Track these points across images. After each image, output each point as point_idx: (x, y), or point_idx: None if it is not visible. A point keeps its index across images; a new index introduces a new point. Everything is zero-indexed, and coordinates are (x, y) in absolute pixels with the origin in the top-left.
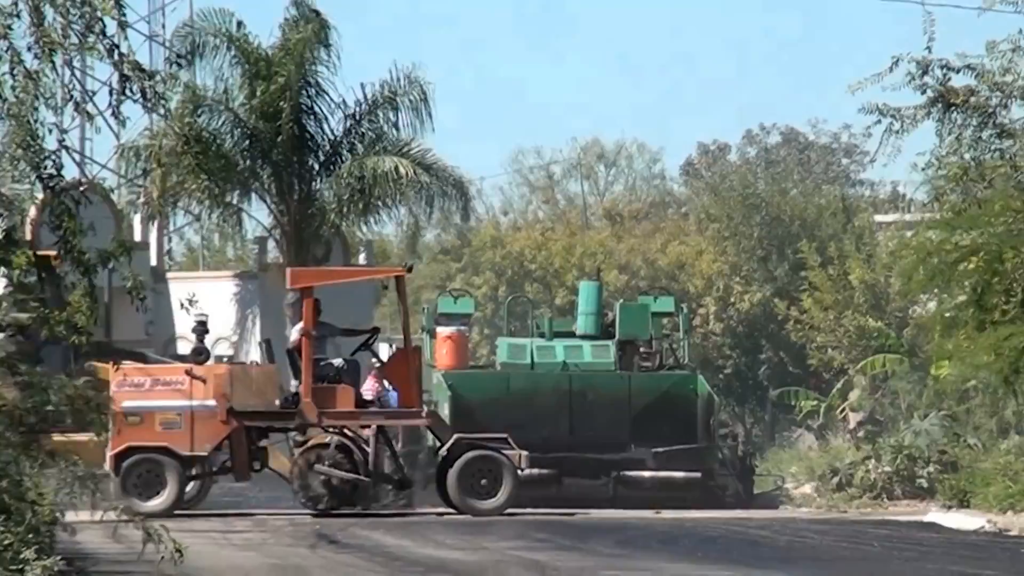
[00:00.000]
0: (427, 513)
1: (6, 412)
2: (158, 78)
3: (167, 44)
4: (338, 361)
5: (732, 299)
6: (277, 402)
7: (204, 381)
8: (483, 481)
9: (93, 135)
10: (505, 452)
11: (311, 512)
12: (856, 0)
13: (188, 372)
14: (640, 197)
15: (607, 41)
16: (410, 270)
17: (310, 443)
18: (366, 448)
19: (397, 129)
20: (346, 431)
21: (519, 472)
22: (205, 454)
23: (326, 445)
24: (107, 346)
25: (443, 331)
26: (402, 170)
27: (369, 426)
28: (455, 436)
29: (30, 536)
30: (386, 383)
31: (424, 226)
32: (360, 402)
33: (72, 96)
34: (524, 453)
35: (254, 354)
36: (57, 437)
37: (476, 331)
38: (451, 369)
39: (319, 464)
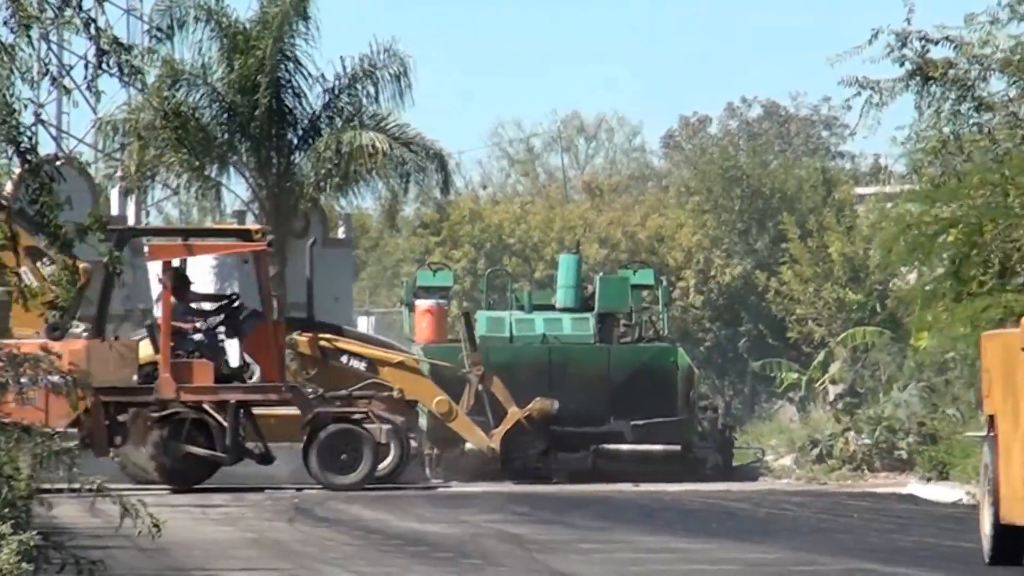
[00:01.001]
0: (406, 487)
1: None
2: (136, 52)
3: (145, 18)
4: (198, 336)
5: (712, 272)
6: (135, 377)
7: (59, 356)
8: (343, 455)
9: (70, 109)
10: (367, 426)
11: (172, 489)
12: None
13: (43, 348)
14: (620, 170)
15: (589, 14)
16: (270, 244)
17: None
18: (224, 423)
19: (377, 103)
20: (206, 406)
21: (379, 446)
22: (60, 429)
23: (182, 420)
24: (308, 320)
25: (422, 304)
26: (378, 145)
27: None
28: (316, 410)
29: (6, 511)
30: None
31: (403, 200)
32: (220, 376)
33: (49, 70)
34: (387, 427)
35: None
36: (258, 411)
37: (455, 304)
38: (430, 342)
39: (174, 440)
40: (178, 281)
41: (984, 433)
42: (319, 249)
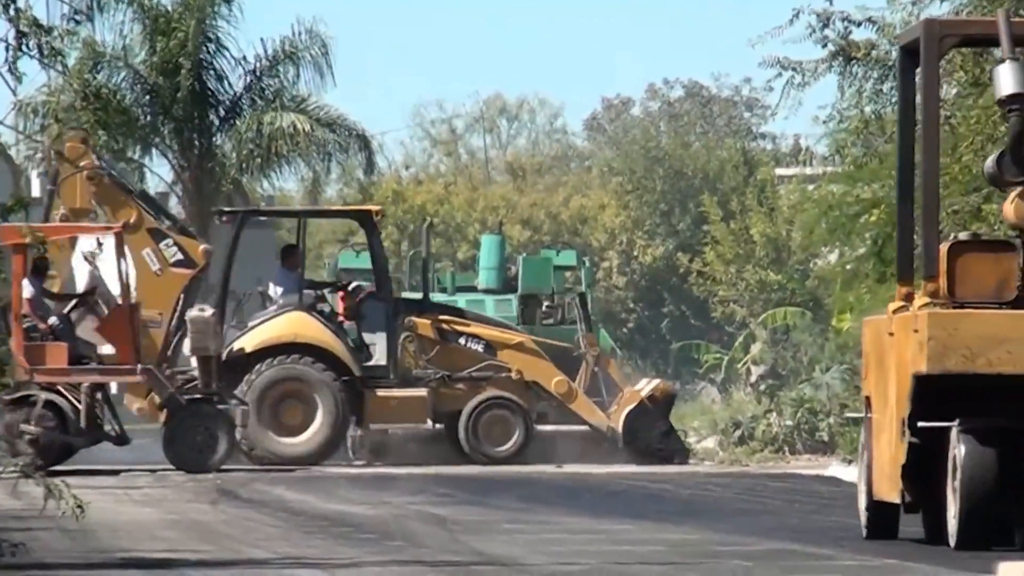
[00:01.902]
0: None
1: None
2: (56, 34)
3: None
4: (53, 319)
5: (635, 253)
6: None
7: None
8: (198, 438)
9: None
10: (220, 408)
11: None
12: None
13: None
14: (542, 151)
15: None
16: (125, 227)
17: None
18: (79, 405)
19: (298, 84)
20: (59, 388)
21: (237, 428)
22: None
23: (33, 403)
24: (425, 301)
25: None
26: (299, 126)
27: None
28: (168, 393)
29: None
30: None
31: (325, 181)
32: (74, 359)
33: None
34: (243, 408)
35: None
36: (381, 393)
37: None
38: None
39: (26, 423)
40: (288, 253)
41: (861, 414)
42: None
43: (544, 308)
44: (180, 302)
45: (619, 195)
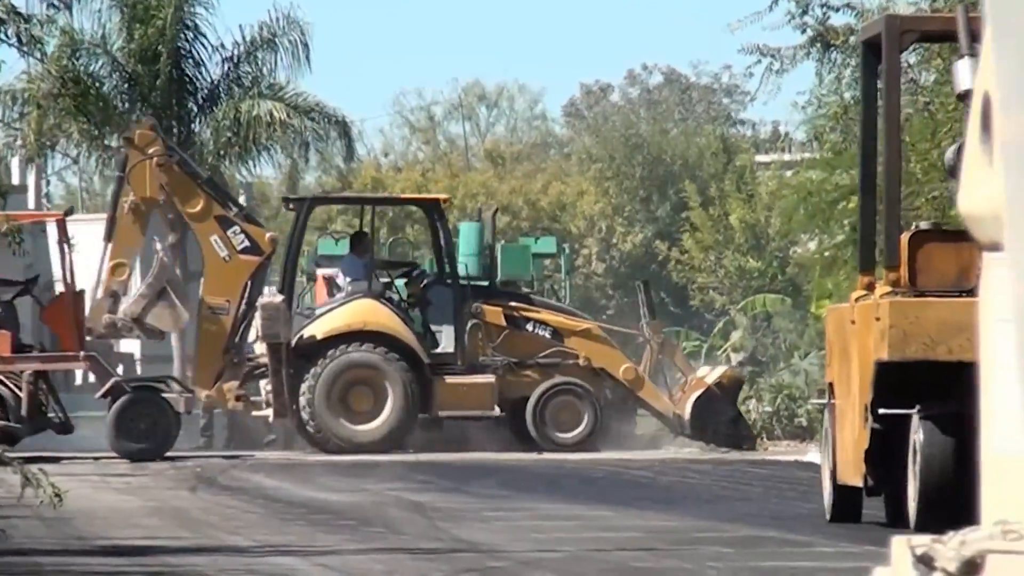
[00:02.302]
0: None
1: None
2: (34, 21)
3: None
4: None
5: (614, 240)
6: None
7: None
8: (142, 425)
9: None
10: (166, 395)
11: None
12: None
13: None
14: (521, 138)
15: None
16: (68, 213)
17: None
18: (20, 394)
19: (275, 72)
20: (1, 377)
21: (181, 415)
22: None
23: None
24: (492, 287)
25: (324, 273)
26: (276, 114)
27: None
28: (112, 380)
29: None
30: None
31: (303, 169)
32: (18, 346)
33: None
34: (186, 396)
35: (135, 296)
36: (449, 380)
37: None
38: None
39: None
40: (357, 240)
41: (824, 400)
42: None
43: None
44: (247, 289)
45: (598, 182)
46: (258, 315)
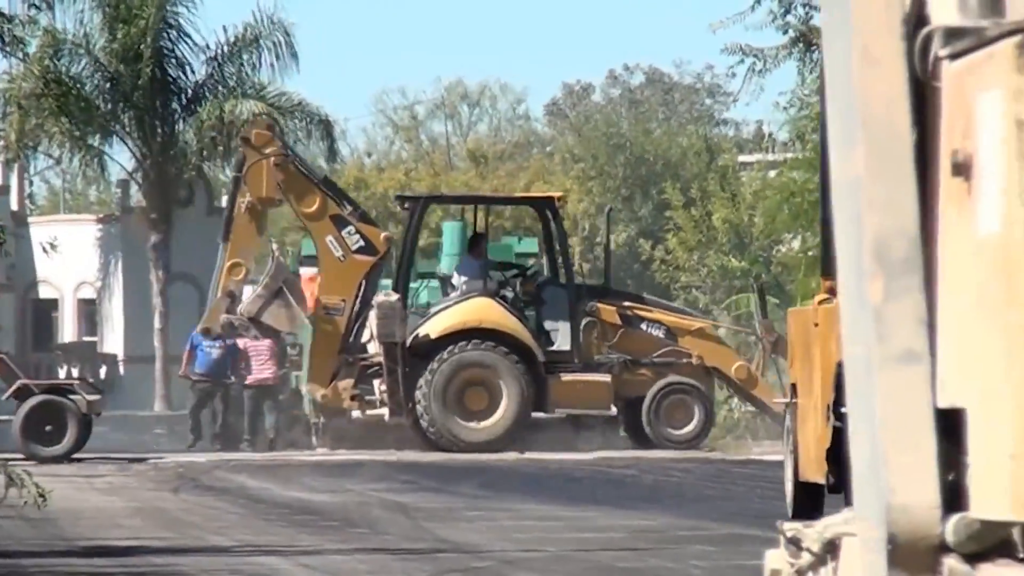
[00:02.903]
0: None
1: None
2: (16, 21)
3: None
4: None
5: (597, 239)
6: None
7: None
8: (48, 427)
9: None
10: (72, 398)
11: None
12: None
13: None
14: (504, 138)
15: None
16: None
17: None
18: None
19: (257, 71)
20: None
21: (87, 417)
22: None
23: None
24: (606, 287)
25: (307, 272)
26: (258, 114)
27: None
28: (19, 382)
29: None
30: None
31: None
32: None
33: None
34: (93, 398)
35: (117, 297)
36: (565, 378)
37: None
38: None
39: None
40: (474, 242)
41: (787, 400)
42: (202, 218)
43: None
44: (362, 289)
45: (581, 181)
46: (373, 314)
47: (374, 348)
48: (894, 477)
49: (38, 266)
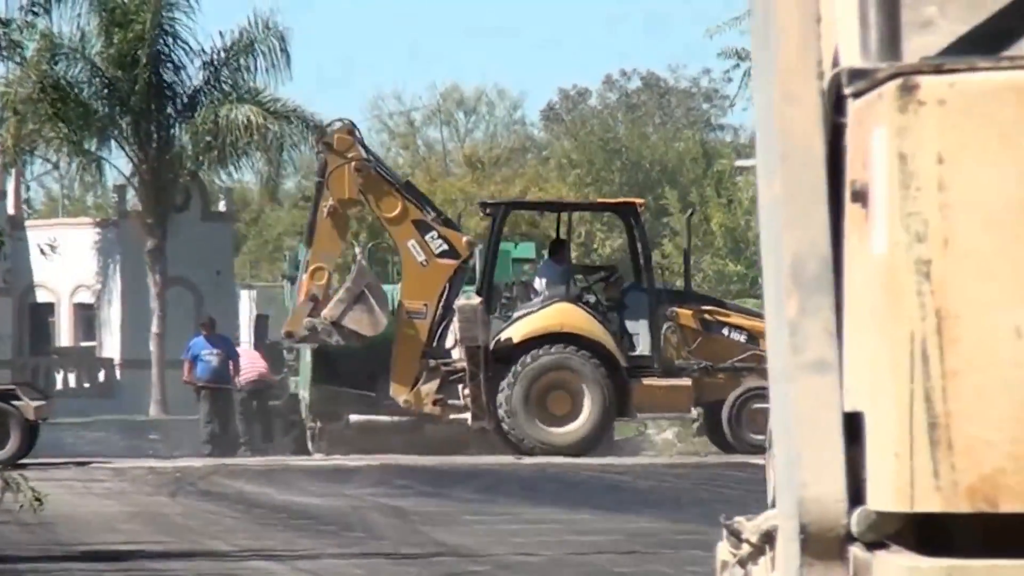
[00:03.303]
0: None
1: None
2: (13, 26)
3: None
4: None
5: (594, 244)
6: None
7: None
8: None
9: None
10: (15, 403)
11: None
12: None
13: None
14: (500, 143)
15: None
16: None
17: None
18: None
19: (252, 76)
20: None
21: (31, 422)
22: None
23: None
24: (687, 292)
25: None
26: (253, 119)
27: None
28: None
29: None
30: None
31: (282, 174)
32: None
33: None
34: (39, 404)
35: (114, 301)
36: (647, 382)
37: (337, 278)
38: None
39: None
40: (556, 247)
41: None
42: (198, 223)
43: (503, 300)
44: (445, 293)
45: (577, 187)
46: (456, 319)
47: (457, 353)
48: (806, 473)
49: (35, 270)
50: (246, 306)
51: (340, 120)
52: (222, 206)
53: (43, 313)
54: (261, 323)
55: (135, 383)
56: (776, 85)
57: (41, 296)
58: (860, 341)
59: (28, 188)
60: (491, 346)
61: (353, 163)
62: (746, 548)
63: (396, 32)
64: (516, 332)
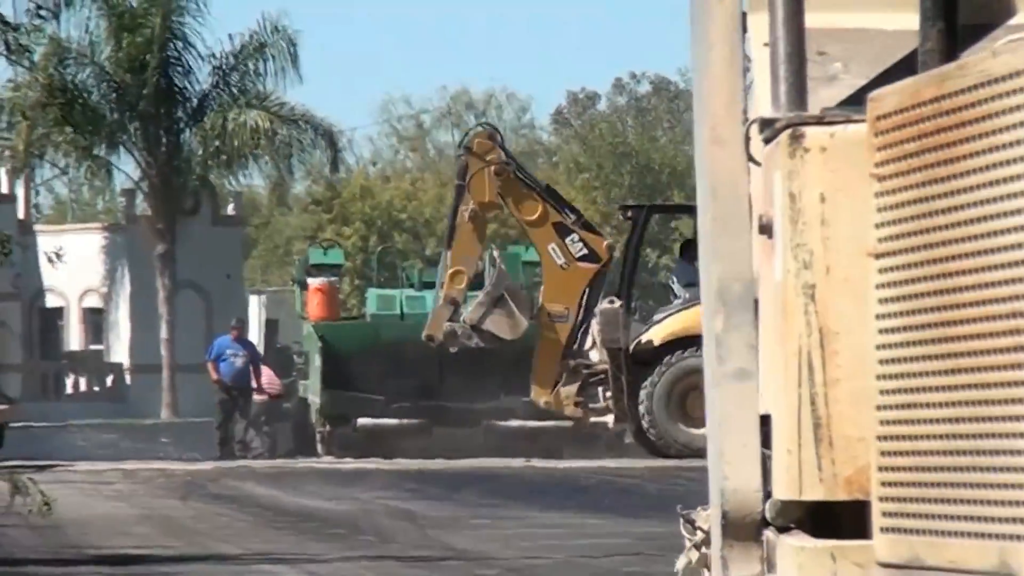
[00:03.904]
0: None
1: None
2: (22, 30)
3: None
4: None
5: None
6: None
7: None
8: None
9: None
10: None
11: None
12: None
13: None
14: (509, 147)
15: None
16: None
17: None
18: None
19: (262, 80)
20: None
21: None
22: None
23: None
24: None
25: (313, 282)
26: (261, 123)
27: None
28: None
29: None
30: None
31: (290, 178)
32: None
33: None
34: (3, 408)
35: (123, 306)
36: None
37: (346, 282)
38: (321, 320)
39: None
40: (686, 247)
41: None
42: (208, 227)
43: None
44: (585, 296)
45: (586, 190)
46: (596, 321)
47: (597, 355)
48: (727, 467)
49: (44, 275)
50: (256, 310)
51: (481, 124)
52: (232, 210)
53: (52, 317)
54: (271, 328)
55: (144, 387)
56: (706, 130)
57: (50, 301)
58: (766, 353)
59: (37, 193)
60: (632, 348)
61: (493, 167)
62: (700, 535)
63: (406, 35)
64: (656, 334)
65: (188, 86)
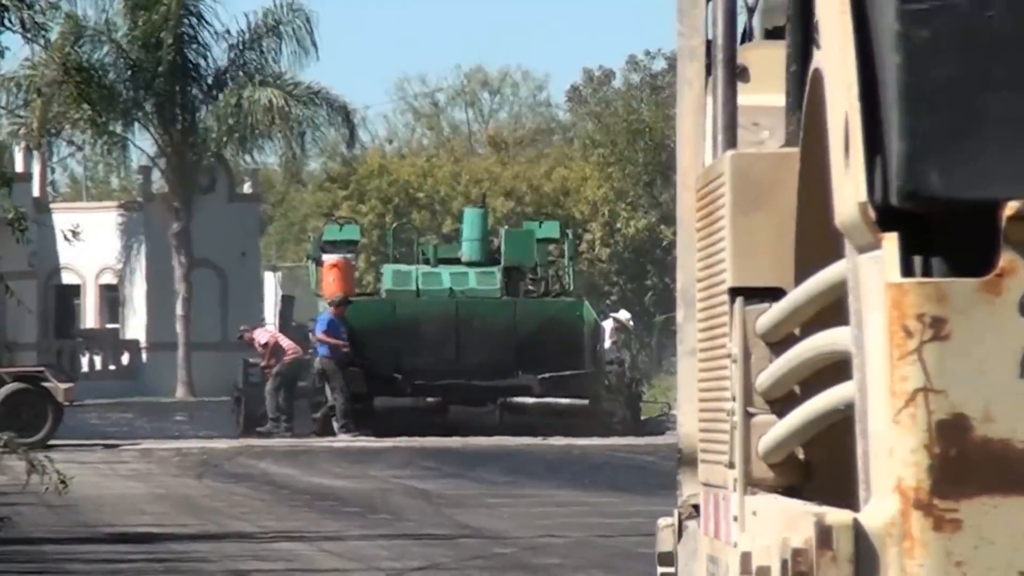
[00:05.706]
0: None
1: None
2: (37, 8)
3: None
4: None
5: (618, 225)
6: None
7: None
8: (23, 416)
9: None
10: (45, 385)
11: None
12: None
13: None
14: (524, 124)
15: None
16: None
17: None
18: None
19: (277, 58)
20: None
21: (60, 405)
22: None
23: None
24: None
25: (329, 259)
26: (275, 101)
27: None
28: None
29: None
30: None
31: (306, 155)
32: None
33: None
34: (68, 386)
35: (139, 284)
36: None
37: (362, 259)
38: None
39: None
40: None
41: None
42: (224, 204)
43: (528, 280)
44: None
45: (601, 167)
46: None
47: None
48: (682, 418)
49: (60, 253)
50: (271, 288)
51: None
52: (248, 188)
53: (68, 295)
54: (287, 304)
55: (160, 365)
56: (679, 175)
57: (66, 278)
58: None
59: (53, 171)
60: None
61: None
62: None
63: (421, 13)
64: None
65: (204, 64)
